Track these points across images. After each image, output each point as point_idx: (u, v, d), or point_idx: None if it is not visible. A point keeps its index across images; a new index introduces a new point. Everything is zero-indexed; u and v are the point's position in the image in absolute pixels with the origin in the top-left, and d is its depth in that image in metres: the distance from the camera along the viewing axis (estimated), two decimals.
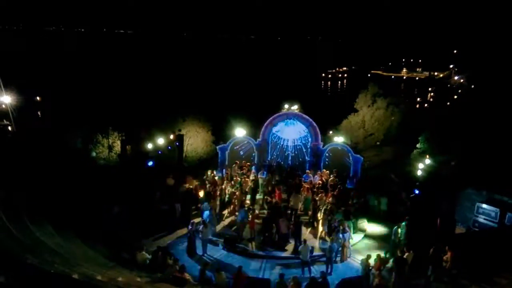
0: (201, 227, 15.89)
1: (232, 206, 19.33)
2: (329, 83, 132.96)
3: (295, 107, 24.54)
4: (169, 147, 22.66)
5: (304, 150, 24.85)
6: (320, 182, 21.28)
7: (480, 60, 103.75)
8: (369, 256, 13.71)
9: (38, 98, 42.52)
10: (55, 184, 16.85)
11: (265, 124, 24.29)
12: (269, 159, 24.30)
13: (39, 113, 38.19)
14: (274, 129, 24.51)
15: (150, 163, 21.01)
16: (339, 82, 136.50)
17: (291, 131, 24.82)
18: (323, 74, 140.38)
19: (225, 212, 19.58)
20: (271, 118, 24.34)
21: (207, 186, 20.26)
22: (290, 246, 16.59)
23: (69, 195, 16.20)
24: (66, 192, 16.32)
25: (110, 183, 19.01)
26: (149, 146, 22.43)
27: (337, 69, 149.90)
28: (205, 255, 15.85)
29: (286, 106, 24.55)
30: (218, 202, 19.23)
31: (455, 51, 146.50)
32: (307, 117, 24.12)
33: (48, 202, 15.52)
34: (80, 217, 15.32)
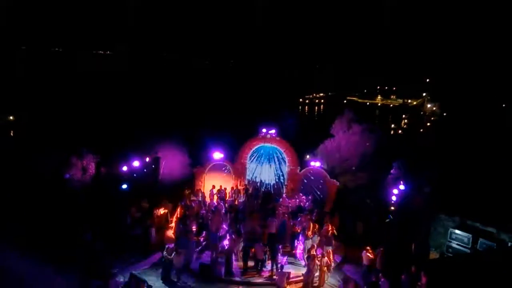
0: (173, 255, 15.53)
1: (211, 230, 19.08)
2: (306, 108, 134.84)
3: (272, 131, 24.65)
4: (145, 170, 22.34)
5: (281, 174, 24.99)
6: (296, 206, 21.33)
7: (452, 88, 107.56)
8: (346, 281, 13.71)
9: (11, 117, 41.46)
10: (24, 207, 16.32)
11: (242, 148, 24.37)
12: (246, 183, 24.28)
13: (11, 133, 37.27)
14: (252, 152, 24.65)
15: (125, 186, 20.60)
16: (316, 107, 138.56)
17: (268, 154, 25.07)
18: (301, 99, 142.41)
19: (202, 237, 19.30)
20: (248, 141, 24.46)
21: (183, 210, 19.98)
22: (266, 272, 16.44)
23: (40, 219, 15.69)
24: (36, 216, 15.81)
25: (83, 207, 18.53)
26: (124, 168, 22.04)
27: (314, 94, 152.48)
28: (180, 282, 15.50)
29: (264, 130, 24.64)
30: (194, 227, 18.96)
31: (428, 80, 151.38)
32: (284, 141, 24.34)
33: (16, 226, 14.99)
34: (51, 242, 14.81)
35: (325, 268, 15.80)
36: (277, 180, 25.24)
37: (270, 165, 25.24)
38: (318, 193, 23.48)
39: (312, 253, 15.72)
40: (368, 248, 16.44)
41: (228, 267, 16.28)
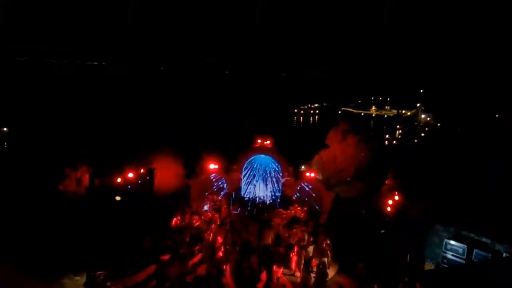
0: (167, 267, 15.41)
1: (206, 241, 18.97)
2: (301, 118, 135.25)
3: (267, 142, 24.72)
4: (139, 181, 22.18)
5: (276, 185, 24.96)
6: (291, 217, 21.29)
7: (446, 99, 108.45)
8: None
9: (5, 129, 41.24)
10: (18, 220, 16.20)
11: (238, 159, 24.40)
12: (241, 194, 24.26)
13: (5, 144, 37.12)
14: (247, 164, 24.66)
15: (118, 198, 20.43)
16: (311, 118, 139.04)
17: (263, 166, 25.07)
18: (296, 110, 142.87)
19: (196, 248, 19.17)
20: (244, 152, 24.49)
21: (178, 221, 19.86)
22: (261, 284, 16.32)
23: (35, 230, 15.58)
24: (31, 228, 15.71)
25: (77, 218, 18.39)
26: (119, 180, 21.90)
27: (309, 105, 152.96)
28: None
29: (259, 141, 24.69)
30: (189, 238, 18.85)
31: (421, 90, 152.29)
32: (279, 151, 24.40)
33: (10, 238, 14.87)
34: (45, 253, 14.70)
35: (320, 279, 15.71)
36: (272, 193, 25.20)
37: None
38: (314, 204, 23.44)
39: (307, 264, 15.67)
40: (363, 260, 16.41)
41: (222, 279, 16.15)
